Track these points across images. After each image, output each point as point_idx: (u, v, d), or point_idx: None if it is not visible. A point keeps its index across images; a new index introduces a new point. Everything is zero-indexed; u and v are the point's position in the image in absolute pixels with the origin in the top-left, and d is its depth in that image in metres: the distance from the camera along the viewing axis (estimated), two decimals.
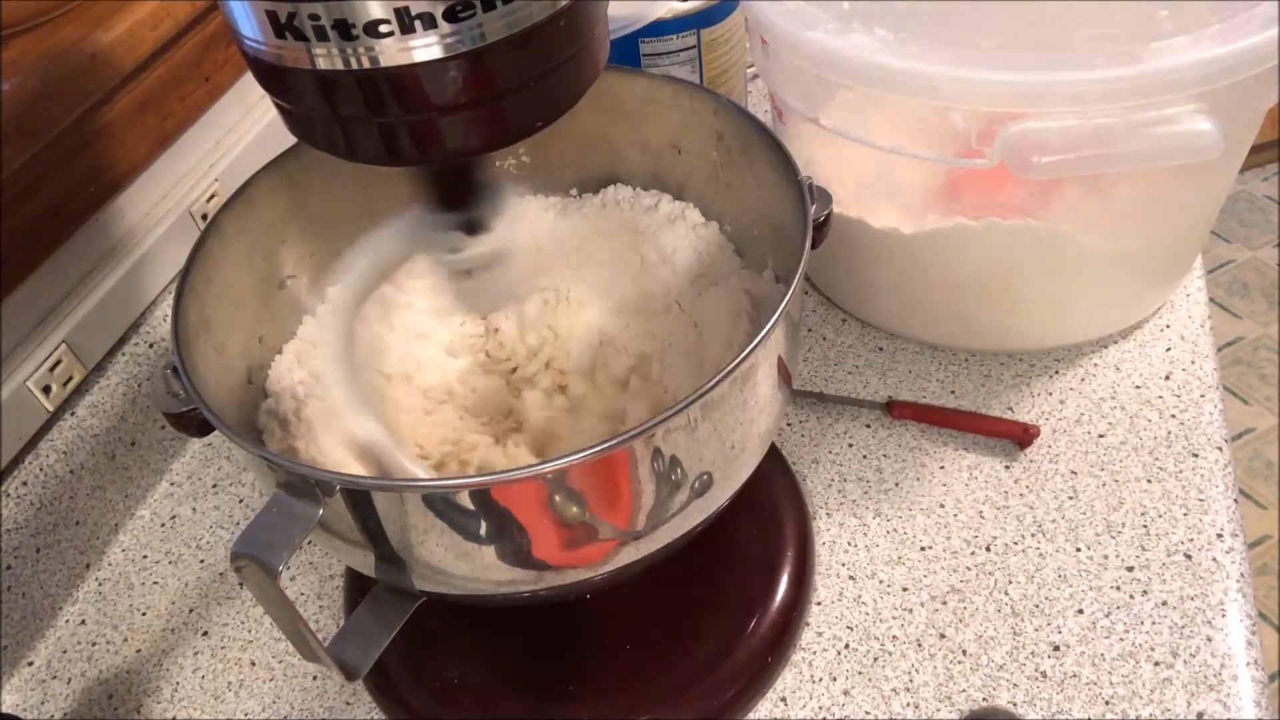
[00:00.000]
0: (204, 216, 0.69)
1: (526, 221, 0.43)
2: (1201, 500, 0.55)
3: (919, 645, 0.51)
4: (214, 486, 0.66)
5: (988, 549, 0.55)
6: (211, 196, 0.70)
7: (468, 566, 0.39)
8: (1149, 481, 0.56)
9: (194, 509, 0.65)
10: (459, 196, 0.40)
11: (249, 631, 0.57)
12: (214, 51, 0.69)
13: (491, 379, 0.52)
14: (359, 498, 0.36)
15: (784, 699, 0.50)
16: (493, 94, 0.33)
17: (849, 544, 0.56)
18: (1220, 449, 0.57)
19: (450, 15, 0.30)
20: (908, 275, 0.62)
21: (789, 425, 0.62)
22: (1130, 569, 0.52)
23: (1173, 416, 0.59)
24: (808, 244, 0.41)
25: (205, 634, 0.58)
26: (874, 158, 0.57)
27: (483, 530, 0.37)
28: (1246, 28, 0.47)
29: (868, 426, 0.62)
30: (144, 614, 0.59)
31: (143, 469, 0.65)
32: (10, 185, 0.54)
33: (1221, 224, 2.08)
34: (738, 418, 0.39)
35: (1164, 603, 0.51)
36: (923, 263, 0.61)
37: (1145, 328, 0.64)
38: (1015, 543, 0.55)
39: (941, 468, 0.59)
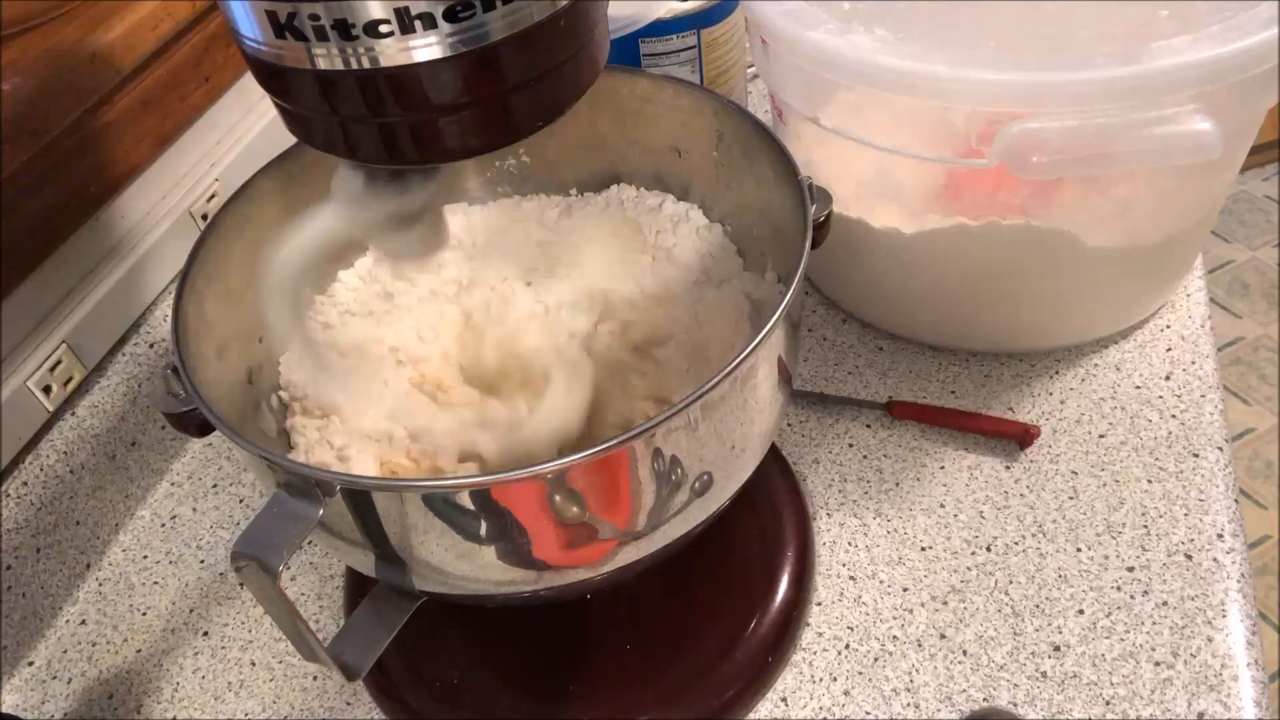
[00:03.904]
0: (204, 216, 0.69)
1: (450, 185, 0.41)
2: (1202, 500, 0.55)
3: (919, 645, 0.51)
4: (214, 486, 0.66)
5: (988, 549, 0.55)
6: (211, 196, 0.70)
7: (468, 566, 0.39)
8: (1149, 482, 0.56)
9: (194, 509, 0.65)
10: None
11: (249, 631, 0.57)
12: (214, 51, 0.69)
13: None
14: (359, 498, 0.36)
15: (784, 699, 0.50)
16: (493, 94, 0.33)
17: (849, 544, 0.56)
18: (1220, 449, 0.57)
19: (450, 15, 0.30)
20: (908, 275, 0.62)
21: (789, 425, 0.62)
22: (1131, 569, 0.52)
23: (1173, 417, 0.59)
24: (807, 244, 0.41)
25: (205, 634, 0.58)
26: (874, 158, 0.57)
27: (483, 530, 0.37)
28: (1246, 28, 0.47)
29: (868, 426, 0.62)
30: (144, 614, 0.59)
31: (143, 469, 0.65)
32: (10, 185, 0.54)
33: (1221, 224, 2.08)
34: (738, 418, 0.39)
35: (1164, 603, 0.51)
36: (923, 263, 0.61)
37: (1145, 328, 0.64)
38: (1015, 543, 0.55)
39: (942, 468, 0.59)
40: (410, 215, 0.40)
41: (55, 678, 0.57)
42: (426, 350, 0.52)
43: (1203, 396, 0.60)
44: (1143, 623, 0.50)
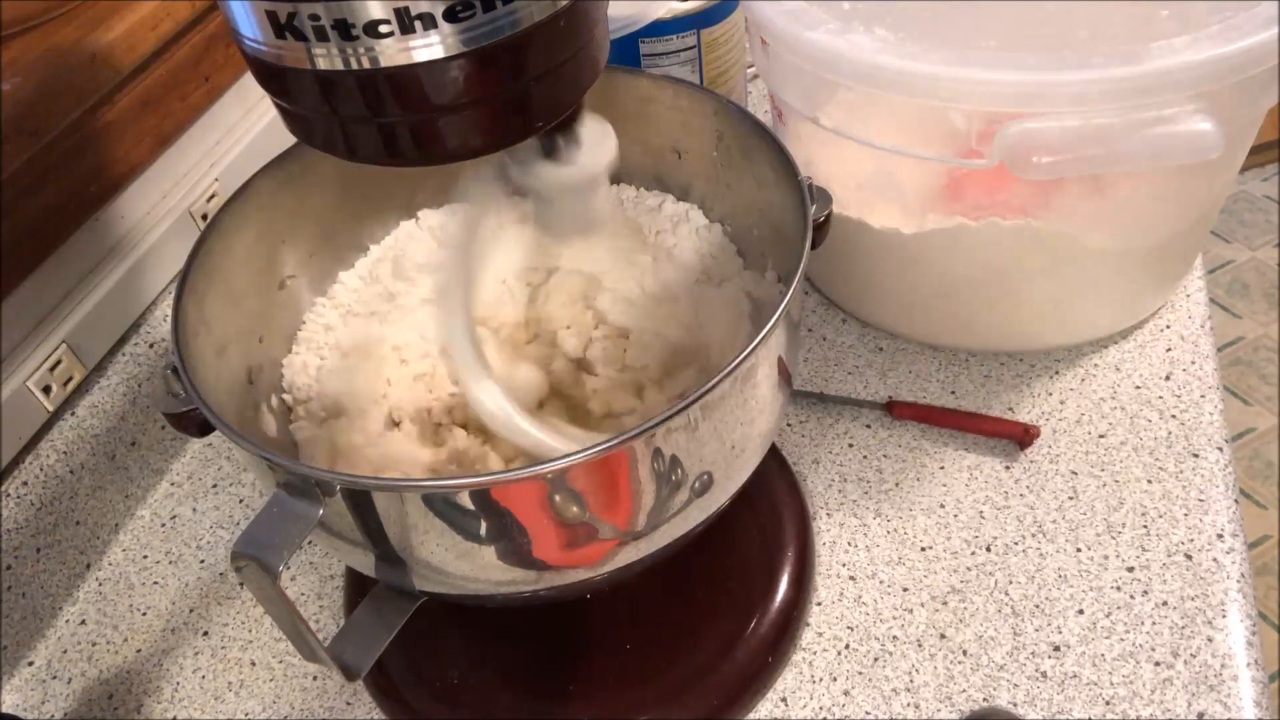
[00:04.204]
0: (204, 216, 0.69)
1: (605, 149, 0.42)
2: (1202, 500, 0.55)
3: (919, 645, 0.51)
4: (214, 486, 0.66)
5: (988, 549, 0.55)
6: (211, 196, 0.70)
7: (468, 566, 0.39)
8: (1149, 482, 0.56)
9: (194, 509, 0.65)
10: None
11: (249, 631, 0.57)
12: (214, 51, 0.69)
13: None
14: (359, 498, 0.36)
15: (784, 699, 0.50)
16: (493, 94, 0.33)
17: (849, 544, 0.56)
18: (1220, 449, 0.57)
19: (450, 15, 0.30)
20: (908, 275, 0.62)
21: (789, 425, 0.62)
22: (1130, 569, 0.52)
23: (1173, 417, 0.59)
24: (807, 244, 0.41)
25: (205, 634, 0.58)
26: (874, 158, 0.57)
27: (483, 530, 0.37)
28: (1246, 28, 0.47)
29: (868, 426, 0.62)
30: (144, 614, 0.59)
31: (143, 469, 0.65)
32: (10, 185, 0.54)
33: (1221, 224, 2.08)
34: (738, 418, 0.39)
35: (1164, 603, 0.51)
36: (923, 263, 0.61)
37: (1145, 328, 0.64)
38: (1015, 543, 0.55)
39: (941, 468, 0.59)
40: (568, 189, 0.41)
41: (55, 678, 0.57)
42: (429, 349, 0.52)
43: (1202, 397, 0.60)
44: (1142, 623, 0.50)
